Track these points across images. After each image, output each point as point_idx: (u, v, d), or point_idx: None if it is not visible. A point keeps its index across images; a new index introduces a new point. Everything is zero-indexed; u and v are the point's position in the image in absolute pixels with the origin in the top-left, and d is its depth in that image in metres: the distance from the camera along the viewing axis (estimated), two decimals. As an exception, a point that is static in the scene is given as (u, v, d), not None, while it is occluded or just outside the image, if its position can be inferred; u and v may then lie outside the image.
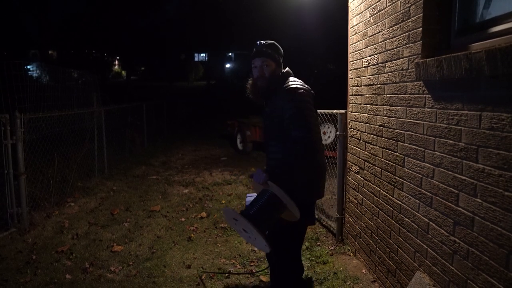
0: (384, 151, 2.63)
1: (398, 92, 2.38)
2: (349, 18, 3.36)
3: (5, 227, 3.93)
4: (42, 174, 4.79)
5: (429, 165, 2.03)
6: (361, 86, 3.07)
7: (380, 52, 2.65)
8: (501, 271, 1.48)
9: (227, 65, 45.47)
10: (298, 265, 2.20)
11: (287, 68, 2.20)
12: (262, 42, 2.17)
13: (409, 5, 2.21)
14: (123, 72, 46.88)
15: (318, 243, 3.60)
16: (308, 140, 1.87)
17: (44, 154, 4.82)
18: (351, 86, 3.33)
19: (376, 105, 2.75)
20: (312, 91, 2.12)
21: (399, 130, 2.38)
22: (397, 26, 2.37)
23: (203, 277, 3.00)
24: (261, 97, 2.20)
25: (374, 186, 2.82)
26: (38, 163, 4.70)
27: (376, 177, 2.79)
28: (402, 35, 2.31)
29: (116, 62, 48.16)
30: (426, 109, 2.04)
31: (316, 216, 4.11)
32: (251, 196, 2.38)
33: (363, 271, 3.00)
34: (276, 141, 2.06)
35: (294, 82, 2.08)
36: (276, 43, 2.19)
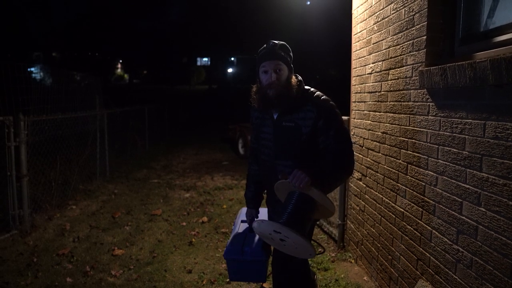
0: (387, 158, 2.63)
1: (402, 100, 2.39)
2: (353, 25, 3.37)
3: (7, 229, 3.93)
4: (44, 176, 4.80)
5: (432, 173, 2.03)
6: (364, 93, 3.08)
7: (384, 60, 2.66)
8: (506, 282, 1.47)
9: (229, 70, 45.63)
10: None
11: (299, 77, 1.94)
12: (275, 42, 1.85)
13: (413, 13, 2.22)
14: (126, 75, 47.10)
15: (320, 250, 3.58)
16: (353, 153, 1.86)
17: (47, 156, 4.83)
18: (354, 93, 3.34)
19: (379, 112, 2.76)
20: None
21: (402, 137, 2.39)
22: (401, 34, 2.38)
23: (203, 282, 2.99)
24: (272, 108, 1.89)
25: (377, 193, 2.82)
26: (40, 165, 4.71)
27: (378, 184, 2.79)
28: (406, 43, 2.32)
29: (119, 65, 48.39)
30: (430, 117, 2.05)
31: (318, 222, 4.10)
32: (244, 212, 2.34)
33: (365, 278, 2.99)
34: (294, 160, 1.83)
35: (320, 92, 1.90)
36: (287, 44, 1.90)
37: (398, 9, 2.42)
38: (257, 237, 2.15)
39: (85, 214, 4.65)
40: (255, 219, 1.66)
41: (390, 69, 2.55)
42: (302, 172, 1.56)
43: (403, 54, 2.35)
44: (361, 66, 3.15)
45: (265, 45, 1.87)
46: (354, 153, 3.30)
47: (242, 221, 2.35)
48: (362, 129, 3.12)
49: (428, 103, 2.06)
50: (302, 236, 1.52)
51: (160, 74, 39.92)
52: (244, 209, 2.45)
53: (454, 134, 1.82)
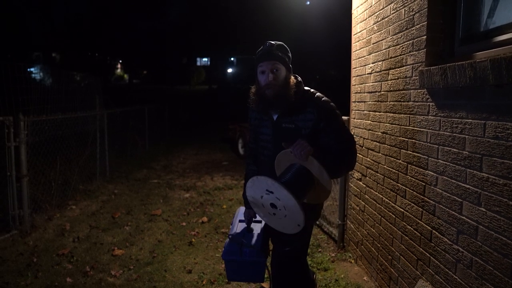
0: (387, 158, 2.63)
1: (402, 100, 2.38)
2: (353, 25, 3.37)
3: (7, 229, 3.93)
4: (44, 176, 4.80)
5: (432, 173, 2.02)
6: (364, 93, 3.08)
7: (384, 60, 2.66)
8: (506, 282, 1.47)
9: (229, 70, 45.65)
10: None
11: (298, 77, 1.94)
12: (271, 42, 1.86)
13: (413, 13, 2.22)
14: (125, 75, 47.12)
15: (320, 250, 3.58)
16: (355, 151, 1.86)
17: (47, 157, 4.82)
18: (354, 93, 3.34)
19: (379, 112, 2.76)
20: None
21: (402, 137, 2.38)
22: (401, 33, 2.38)
23: (203, 282, 2.99)
24: (271, 109, 1.88)
25: (377, 193, 2.82)
26: (40, 165, 4.71)
27: (378, 184, 2.79)
28: (406, 43, 2.32)
29: (119, 65, 48.40)
30: (430, 117, 2.05)
31: (318, 222, 4.10)
32: (242, 212, 2.34)
33: (365, 278, 2.99)
34: None
35: (320, 93, 1.90)
36: (285, 45, 1.90)
37: (398, 9, 2.42)
38: (255, 237, 2.15)
39: (85, 214, 4.65)
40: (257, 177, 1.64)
41: (390, 69, 2.55)
42: (305, 142, 1.62)
43: (403, 54, 2.35)
44: (361, 66, 3.15)
45: (262, 46, 1.88)
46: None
47: (240, 221, 2.34)
48: (362, 129, 3.12)
49: (428, 103, 2.06)
50: (295, 196, 1.49)
51: (160, 74, 39.93)
52: (241, 209, 2.44)
53: (454, 134, 1.82)
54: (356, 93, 3.28)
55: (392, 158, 2.54)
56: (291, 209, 1.54)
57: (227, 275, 2.21)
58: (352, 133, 3.34)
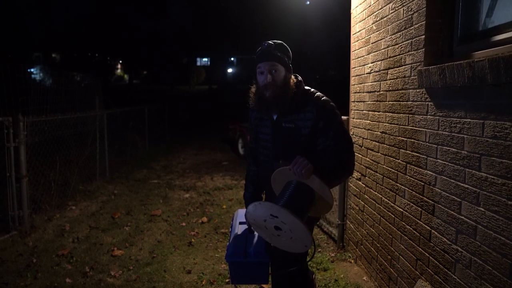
0: (386, 158, 2.63)
1: (401, 99, 2.38)
2: (352, 25, 3.37)
3: (6, 229, 3.93)
4: (43, 177, 4.80)
5: (431, 172, 2.02)
6: (363, 92, 3.08)
7: (383, 59, 2.66)
8: (505, 281, 1.47)
9: (229, 70, 45.67)
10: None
11: (299, 77, 1.93)
12: (270, 42, 1.83)
13: (411, 12, 2.22)
14: (125, 76, 47.15)
15: (319, 250, 3.58)
16: (353, 153, 1.83)
17: (46, 157, 4.82)
18: (353, 93, 3.34)
19: (378, 111, 2.75)
20: None
21: (401, 137, 2.38)
22: (399, 33, 2.38)
23: (203, 283, 2.99)
24: (270, 109, 1.87)
25: (376, 193, 2.82)
26: (40, 166, 4.71)
27: (377, 184, 2.78)
28: (404, 42, 2.31)
29: (119, 66, 48.42)
30: (429, 116, 2.04)
31: (317, 223, 4.09)
32: (242, 214, 2.31)
33: (364, 278, 2.99)
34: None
35: (320, 93, 1.88)
36: (284, 44, 1.88)
37: (396, 9, 2.42)
38: (257, 237, 2.13)
39: (85, 215, 4.65)
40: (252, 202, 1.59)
41: (389, 68, 2.55)
42: (305, 159, 1.53)
43: (402, 54, 2.35)
44: (360, 66, 3.15)
45: (261, 46, 1.86)
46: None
47: (241, 223, 2.32)
48: (361, 128, 3.12)
49: (427, 103, 2.06)
50: (301, 220, 1.45)
51: (160, 75, 39.95)
52: (240, 211, 2.43)
53: (453, 134, 1.82)
54: (355, 92, 3.28)
55: (391, 158, 2.53)
56: (298, 231, 1.51)
57: (231, 278, 2.18)
58: (352, 133, 3.35)
